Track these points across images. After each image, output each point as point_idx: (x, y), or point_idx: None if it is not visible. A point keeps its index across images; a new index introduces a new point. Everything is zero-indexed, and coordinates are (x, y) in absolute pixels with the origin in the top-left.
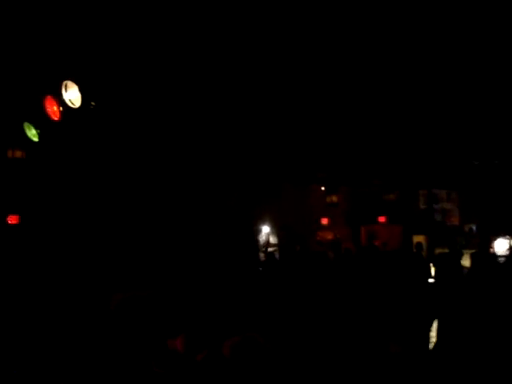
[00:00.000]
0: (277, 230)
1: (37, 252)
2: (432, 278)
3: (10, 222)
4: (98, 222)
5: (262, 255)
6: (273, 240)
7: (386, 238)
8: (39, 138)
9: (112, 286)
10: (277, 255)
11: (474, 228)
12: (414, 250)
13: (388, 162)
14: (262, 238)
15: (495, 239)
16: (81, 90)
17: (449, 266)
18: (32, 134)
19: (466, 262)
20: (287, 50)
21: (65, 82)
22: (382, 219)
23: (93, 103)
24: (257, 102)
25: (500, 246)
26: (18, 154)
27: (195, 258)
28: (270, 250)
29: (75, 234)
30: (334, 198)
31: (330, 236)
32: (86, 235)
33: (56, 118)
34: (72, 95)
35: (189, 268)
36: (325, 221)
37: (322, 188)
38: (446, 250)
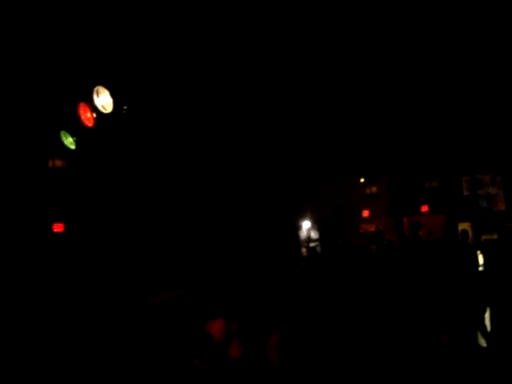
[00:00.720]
0: (317, 224)
1: (83, 256)
2: (481, 266)
3: (55, 230)
4: (140, 224)
5: (303, 250)
6: (314, 235)
7: (430, 227)
8: (76, 145)
9: (156, 286)
10: (318, 249)
11: None
12: (460, 238)
13: (428, 149)
14: (303, 233)
15: None
16: (112, 95)
17: (499, 252)
18: (69, 141)
19: None
20: (324, 53)
21: (96, 88)
22: (424, 208)
23: (125, 107)
24: (294, 100)
25: None
26: (59, 163)
27: (240, 255)
28: (311, 244)
29: (117, 237)
30: (374, 189)
31: (372, 228)
32: (128, 238)
33: (90, 125)
34: (104, 100)
35: (233, 265)
36: (366, 213)
37: (362, 180)
38: (493, 237)
